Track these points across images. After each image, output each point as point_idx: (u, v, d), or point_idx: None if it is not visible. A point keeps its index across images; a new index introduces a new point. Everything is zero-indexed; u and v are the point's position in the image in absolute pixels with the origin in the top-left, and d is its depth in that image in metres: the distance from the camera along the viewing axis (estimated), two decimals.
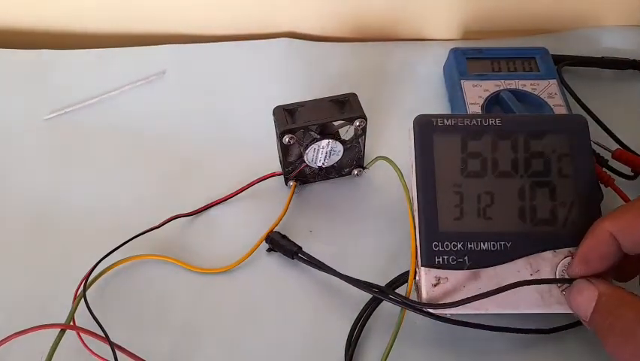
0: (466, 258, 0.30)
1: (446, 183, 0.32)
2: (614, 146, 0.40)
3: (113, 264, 0.35)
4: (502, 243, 0.30)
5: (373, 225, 0.38)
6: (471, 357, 0.32)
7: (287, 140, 0.35)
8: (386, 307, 0.33)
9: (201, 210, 0.39)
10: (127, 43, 0.52)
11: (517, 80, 0.42)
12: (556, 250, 0.30)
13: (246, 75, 0.49)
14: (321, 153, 0.37)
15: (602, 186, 0.36)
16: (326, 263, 0.34)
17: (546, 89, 0.42)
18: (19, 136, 0.45)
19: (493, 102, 0.41)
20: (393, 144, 0.38)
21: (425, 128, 0.33)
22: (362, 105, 0.36)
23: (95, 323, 0.31)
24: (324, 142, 0.36)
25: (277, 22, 0.53)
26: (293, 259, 0.35)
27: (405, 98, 0.47)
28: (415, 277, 0.31)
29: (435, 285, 0.30)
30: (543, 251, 0.30)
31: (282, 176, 0.39)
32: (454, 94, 0.43)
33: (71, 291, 0.33)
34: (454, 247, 0.30)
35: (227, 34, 0.53)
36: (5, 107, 0.47)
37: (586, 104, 0.42)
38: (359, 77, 0.49)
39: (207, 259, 0.36)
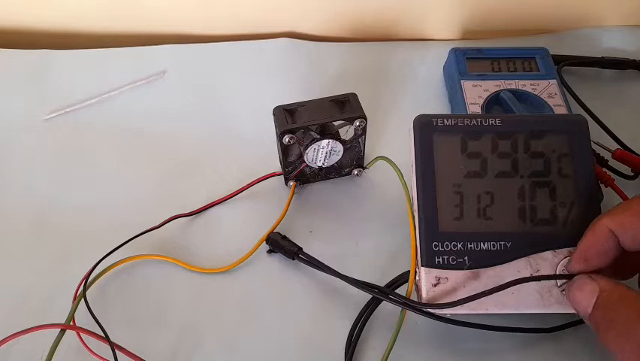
0: (466, 258, 0.30)
1: (446, 183, 0.32)
2: (614, 146, 0.40)
3: (113, 264, 0.35)
4: (502, 243, 0.30)
5: (373, 225, 0.38)
6: (471, 357, 0.32)
7: (287, 140, 0.35)
8: (386, 307, 0.33)
9: (201, 210, 0.39)
10: (127, 43, 0.52)
11: (517, 80, 0.42)
12: (556, 250, 0.30)
13: (246, 75, 0.49)
14: (321, 153, 0.37)
15: (602, 186, 0.36)
16: (326, 263, 0.34)
17: (546, 89, 0.42)
18: (19, 136, 0.45)
19: (493, 102, 0.41)
20: (393, 144, 0.38)
21: (425, 128, 0.33)
22: (362, 105, 0.36)
23: (95, 322, 0.31)
24: (324, 142, 0.36)
25: (277, 22, 0.53)
26: (294, 259, 0.35)
27: (405, 98, 0.47)
28: (415, 277, 0.31)
29: (435, 285, 0.30)
30: (543, 251, 0.30)
31: (282, 176, 0.39)
32: (454, 94, 0.43)
33: (71, 291, 0.33)
34: (454, 247, 0.30)
35: (227, 34, 0.53)
36: (5, 107, 0.47)
37: (586, 104, 0.42)
38: (359, 77, 0.49)
39: (207, 259, 0.36)
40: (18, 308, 0.35)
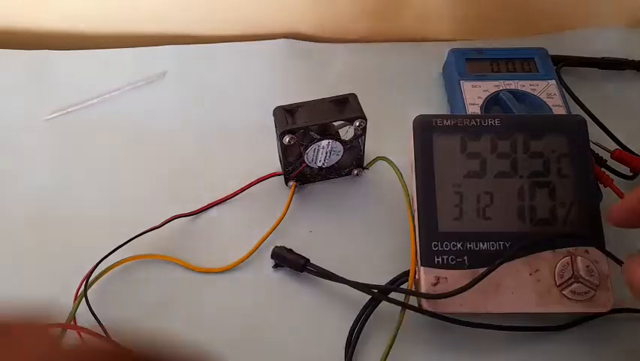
0: (465, 258, 0.30)
1: (446, 183, 0.32)
2: (613, 146, 0.40)
3: (113, 264, 0.35)
4: (502, 243, 0.30)
5: (373, 225, 0.38)
6: (471, 357, 0.32)
7: (287, 140, 0.35)
8: (386, 307, 0.33)
9: (201, 210, 0.39)
10: (127, 43, 0.52)
11: (516, 81, 0.43)
12: (556, 250, 0.30)
13: (246, 75, 0.49)
14: (321, 153, 0.37)
15: (601, 186, 0.36)
16: (334, 272, 0.33)
17: (545, 90, 0.42)
18: (20, 136, 0.45)
19: (493, 103, 0.42)
20: (393, 144, 0.38)
21: (425, 128, 0.33)
22: (362, 105, 0.36)
23: (96, 322, 0.31)
24: (324, 142, 0.36)
25: (277, 23, 0.53)
26: (302, 272, 0.35)
27: (405, 98, 0.47)
28: (414, 277, 0.31)
29: (434, 285, 0.30)
30: (542, 251, 0.30)
31: (282, 176, 0.40)
32: (454, 94, 0.43)
33: (72, 290, 0.33)
34: (454, 247, 0.30)
35: (227, 35, 0.53)
36: (5, 107, 0.47)
37: (585, 105, 0.42)
38: (359, 77, 0.49)
39: (207, 259, 0.37)
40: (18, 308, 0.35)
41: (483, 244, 0.30)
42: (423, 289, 0.30)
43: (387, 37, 0.52)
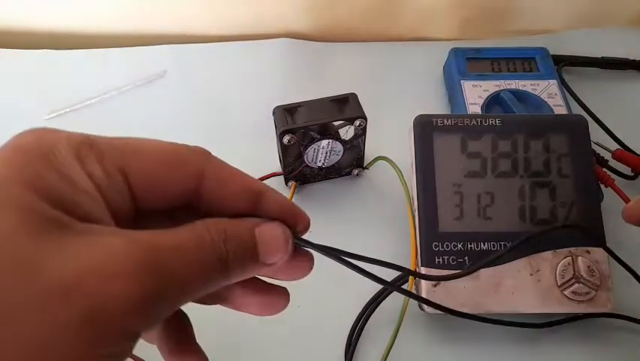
0: (466, 258, 0.30)
1: (446, 183, 0.32)
2: (614, 146, 0.40)
3: None
4: (502, 243, 0.30)
5: (373, 225, 0.38)
6: (471, 357, 0.32)
7: (287, 140, 0.35)
8: (386, 307, 0.33)
9: None
10: (127, 43, 0.52)
11: (517, 81, 0.42)
12: (556, 250, 0.30)
13: (246, 75, 0.49)
14: (321, 153, 0.37)
15: (602, 186, 0.36)
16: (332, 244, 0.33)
17: (546, 90, 0.42)
18: None
19: (493, 102, 0.42)
20: (393, 144, 0.37)
21: (425, 128, 0.33)
22: (362, 105, 0.36)
23: None
24: (324, 142, 0.36)
25: (277, 23, 0.53)
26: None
27: (405, 98, 0.47)
28: (415, 277, 0.31)
29: (435, 285, 0.30)
30: (543, 251, 0.30)
31: (282, 176, 0.39)
32: (454, 94, 0.43)
33: None
34: (454, 247, 0.30)
35: (227, 35, 0.53)
36: (5, 107, 0.47)
37: (586, 105, 0.42)
38: (359, 77, 0.49)
39: None
40: None
41: (484, 244, 0.30)
42: (423, 289, 0.30)
43: (388, 37, 0.52)
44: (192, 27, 0.54)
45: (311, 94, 0.38)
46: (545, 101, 0.41)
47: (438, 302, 0.30)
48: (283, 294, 0.24)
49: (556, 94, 0.42)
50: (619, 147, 0.40)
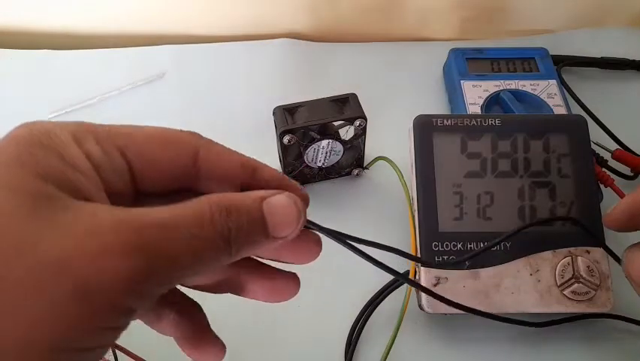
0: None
1: (446, 183, 0.32)
2: (614, 146, 0.40)
3: None
4: (503, 243, 0.30)
5: (373, 225, 0.38)
6: (471, 357, 0.32)
7: (287, 140, 0.35)
8: (386, 307, 0.33)
9: None
10: (127, 43, 0.52)
11: (516, 81, 0.42)
12: (556, 250, 0.30)
13: (246, 76, 0.49)
14: (321, 153, 0.37)
15: (601, 186, 0.36)
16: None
17: (546, 90, 0.42)
18: None
19: (493, 102, 0.42)
20: (393, 144, 0.37)
21: (425, 128, 0.33)
22: (362, 105, 0.36)
23: None
24: (324, 142, 0.36)
25: (277, 23, 0.53)
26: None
27: (405, 98, 0.47)
28: (414, 277, 0.31)
29: (435, 285, 0.30)
30: (543, 251, 0.30)
31: None
32: (454, 94, 0.43)
33: None
34: (454, 247, 0.30)
35: (227, 35, 0.53)
36: (5, 107, 0.47)
37: (585, 105, 0.42)
38: (359, 77, 0.49)
39: None
40: None
41: (484, 245, 0.30)
42: None
43: (388, 38, 0.52)
44: (192, 27, 0.54)
45: (311, 94, 0.38)
46: (545, 101, 0.41)
47: (439, 303, 0.30)
48: (293, 279, 0.24)
49: (555, 94, 0.42)
50: (618, 147, 0.40)
